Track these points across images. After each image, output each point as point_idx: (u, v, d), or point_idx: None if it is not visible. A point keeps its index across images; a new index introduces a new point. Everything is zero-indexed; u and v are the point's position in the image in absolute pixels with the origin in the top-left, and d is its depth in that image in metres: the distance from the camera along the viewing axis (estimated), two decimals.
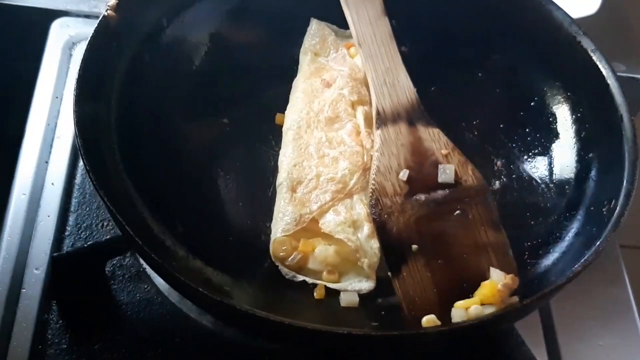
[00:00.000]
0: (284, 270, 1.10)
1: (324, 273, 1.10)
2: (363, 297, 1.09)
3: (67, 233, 1.21)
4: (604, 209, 1.07)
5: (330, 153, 1.18)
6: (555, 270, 1.07)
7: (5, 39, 1.49)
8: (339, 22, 1.33)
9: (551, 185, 1.21)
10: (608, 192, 1.09)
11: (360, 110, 1.24)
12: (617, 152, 1.12)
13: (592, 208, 1.11)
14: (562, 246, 1.11)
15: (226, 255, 1.10)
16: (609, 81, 1.17)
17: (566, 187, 1.19)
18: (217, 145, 1.23)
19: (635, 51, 1.52)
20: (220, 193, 1.19)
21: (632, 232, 1.24)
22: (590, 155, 1.18)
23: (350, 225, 1.12)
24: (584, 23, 1.28)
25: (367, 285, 1.10)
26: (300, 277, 1.10)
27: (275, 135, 1.25)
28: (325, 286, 1.10)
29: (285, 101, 1.28)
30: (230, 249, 1.12)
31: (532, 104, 1.28)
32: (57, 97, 1.36)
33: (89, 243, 1.19)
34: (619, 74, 1.19)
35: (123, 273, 1.17)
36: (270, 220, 1.15)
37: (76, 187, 1.26)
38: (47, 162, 1.28)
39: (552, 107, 1.26)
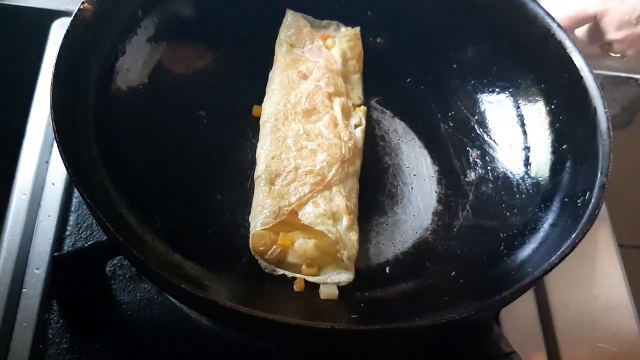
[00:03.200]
0: (263, 264, 1.09)
1: (304, 266, 1.09)
2: (342, 289, 1.08)
3: (67, 233, 1.20)
4: (578, 201, 1.06)
5: (309, 145, 1.17)
6: (532, 262, 1.05)
7: (5, 39, 1.49)
8: (315, 12, 1.33)
9: (526, 176, 1.20)
10: (583, 183, 1.08)
11: (337, 102, 1.23)
12: (592, 145, 1.10)
13: (566, 199, 1.10)
14: (538, 237, 1.09)
15: (205, 249, 1.09)
16: (582, 73, 1.15)
17: (541, 178, 1.18)
18: (193, 138, 1.21)
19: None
20: (198, 186, 1.17)
21: (632, 232, 1.23)
22: (565, 147, 1.17)
23: (329, 217, 1.11)
24: None
25: (346, 277, 1.09)
26: (280, 271, 1.09)
27: (252, 127, 1.24)
28: (304, 279, 1.09)
29: (262, 93, 1.27)
30: (209, 242, 1.11)
31: (506, 96, 1.27)
32: None
33: (89, 243, 1.19)
34: (618, 74, 1.17)
35: (123, 273, 1.17)
36: (249, 213, 1.14)
37: None
38: (47, 162, 1.28)
39: (526, 99, 1.25)
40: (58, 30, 1.45)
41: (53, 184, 1.25)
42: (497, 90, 1.28)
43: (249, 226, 1.12)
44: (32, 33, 1.45)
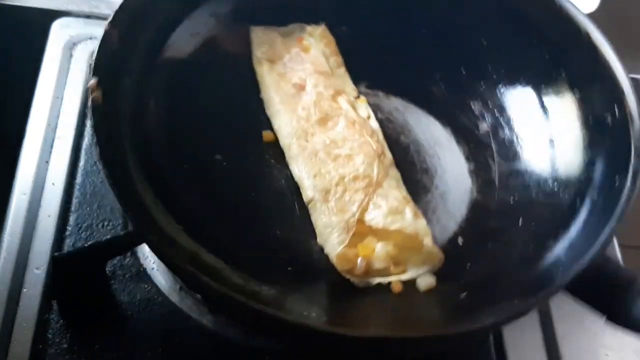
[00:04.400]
0: (355, 280, 1.07)
1: (391, 268, 1.08)
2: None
3: (67, 233, 1.19)
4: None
5: (341, 152, 1.16)
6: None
7: (5, 39, 1.47)
8: (276, 20, 1.31)
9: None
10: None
11: (342, 102, 1.22)
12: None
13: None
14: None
15: (287, 281, 1.06)
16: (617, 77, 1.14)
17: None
18: (221, 184, 1.17)
19: (635, 51, 1.49)
20: (255, 228, 1.13)
21: (632, 232, 1.22)
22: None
23: (395, 213, 1.10)
24: None
25: (436, 260, 1.10)
26: (375, 280, 1.08)
27: (270, 154, 1.22)
28: (400, 280, 1.08)
29: (262, 117, 1.25)
30: (289, 275, 1.09)
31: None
32: (57, 97, 1.34)
33: (89, 243, 1.17)
34: None
35: (123, 273, 1.15)
36: (313, 238, 1.13)
37: (77, 187, 1.24)
38: (47, 162, 1.26)
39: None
40: (58, 30, 1.44)
41: (53, 184, 1.23)
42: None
43: (319, 249, 1.11)
44: (32, 33, 1.44)
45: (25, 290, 1.12)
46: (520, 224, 1.15)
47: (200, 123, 1.20)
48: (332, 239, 1.09)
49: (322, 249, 1.12)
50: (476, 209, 1.20)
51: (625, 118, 1.10)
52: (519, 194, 1.20)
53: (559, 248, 1.05)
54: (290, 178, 1.19)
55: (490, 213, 1.20)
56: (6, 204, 1.20)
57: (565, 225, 1.07)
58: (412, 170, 1.23)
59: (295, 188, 1.18)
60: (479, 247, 1.15)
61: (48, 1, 1.49)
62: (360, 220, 1.10)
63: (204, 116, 1.21)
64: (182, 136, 1.16)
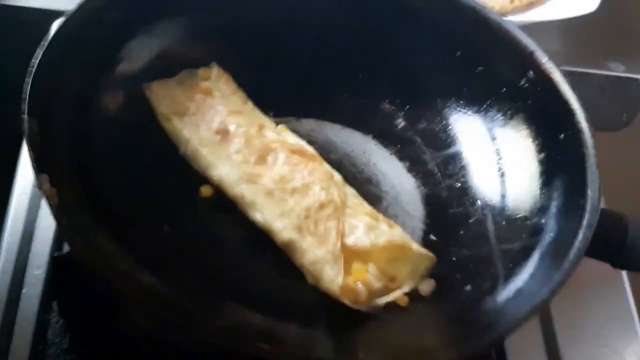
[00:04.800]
0: (362, 307, 1.04)
1: (388, 284, 1.06)
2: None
3: None
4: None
5: (295, 185, 1.12)
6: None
7: (5, 39, 1.47)
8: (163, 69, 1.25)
9: None
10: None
11: (269, 134, 1.19)
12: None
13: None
14: None
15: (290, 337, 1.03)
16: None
17: None
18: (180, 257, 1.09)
19: (635, 51, 1.49)
20: (236, 290, 1.07)
21: None
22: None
23: (374, 228, 1.09)
24: (583, 22, 1.26)
25: (427, 261, 1.09)
26: (382, 300, 1.05)
27: (215, 207, 1.16)
28: (404, 293, 1.07)
29: (190, 174, 1.18)
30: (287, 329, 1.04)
31: None
32: None
33: None
34: (618, 74, 1.17)
35: None
36: (296, 279, 1.09)
37: None
38: None
39: None
40: None
41: None
42: None
43: (308, 288, 1.08)
44: (32, 33, 1.43)
45: (25, 290, 1.11)
46: (478, 203, 1.18)
47: (136, 197, 1.12)
48: (325, 275, 1.05)
49: (313, 288, 1.08)
50: (431, 203, 1.22)
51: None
52: (462, 176, 1.23)
53: None
54: (250, 225, 1.13)
55: (445, 202, 1.22)
56: (6, 204, 1.20)
57: None
58: (356, 183, 1.21)
59: (257, 234, 1.12)
60: (452, 237, 1.16)
61: (48, 1, 1.49)
62: (344, 246, 1.07)
63: (137, 188, 1.13)
64: (121, 217, 1.07)
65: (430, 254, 1.10)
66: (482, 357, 1.12)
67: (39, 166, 0.94)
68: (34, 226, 1.18)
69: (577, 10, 1.44)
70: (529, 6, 1.53)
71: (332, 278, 1.05)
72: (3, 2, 1.47)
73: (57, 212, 0.92)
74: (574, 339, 1.20)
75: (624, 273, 1.27)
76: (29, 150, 0.96)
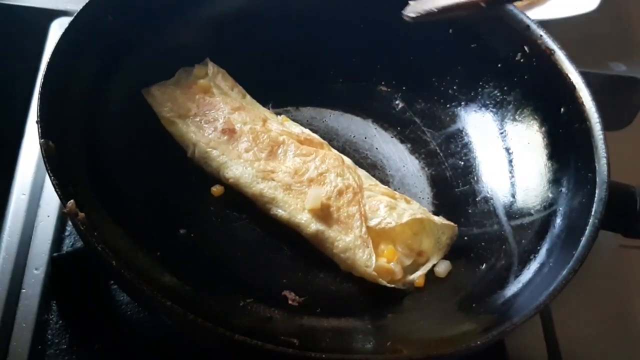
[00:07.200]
0: (400, 285, 1.07)
1: (417, 259, 1.09)
2: None
3: (66, 233, 1.18)
4: None
5: (313, 174, 1.13)
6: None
7: (5, 39, 1.46)
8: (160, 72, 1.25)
9: None
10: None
11: (273, 126, 1.19)
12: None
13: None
14: None
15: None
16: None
17: None
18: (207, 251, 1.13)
19: (635, 51, 1.48)
20: (263, 286, 1.10)
21: None
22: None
23: (394, 207, 1.10)
24: (583, 21, 1.26)
25: (449, 231, 1.12)
26: (418, 273, 1.08)
27: (230, 207, 1.18)
28: (424, 275, 1.09)
29: (201, 177, 1.19)
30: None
31: None
32: None
33: None
34: (619, 74, 1.16)
35: None
36: (332, 271, 1.11)
37: None
38: None
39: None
40: (57, 30, 1.43)
41: None
42: None
43: (330, 279, 1.11)
44: (31, 33, 1.43)
45: (24, 290, 1.11)
46: (483, 180, 1.20)
47: (151, 203, 1.15)
48: (358, 260, 1.06)
49: (329, 280, 1.11)
50: (437, 182, 1.24)
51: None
52: (465, 154, 1.25)
53: None
54: (263, 222, 1.15)
55: (450, 181, 1.24)
56: (5, 205, 1.19)
57: None
58: (362, 165, 1.23)
59: (272, 230, 1.14)
60: (461, 217, 1.17)
61: (48, 1, 1.48)
62: (370, 229, 1.08)
63: (152, 194, 1.16)
64: (137, 225, 1.08)
65: (452, 224, 1.11)
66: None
67: (64, 193, 0.95)
68: (33, 227, 1.17)
69: (577, 9, 1.44)
70: (529, 6, 1.53)
71: (365, 262, 1.06)
72: (3, 2, 1.47)
73: (88, 231, 0.92)
74: (574, 340, 1.19)
75: (624, 274, 1.27)
76: (49, 175, 0.95)
